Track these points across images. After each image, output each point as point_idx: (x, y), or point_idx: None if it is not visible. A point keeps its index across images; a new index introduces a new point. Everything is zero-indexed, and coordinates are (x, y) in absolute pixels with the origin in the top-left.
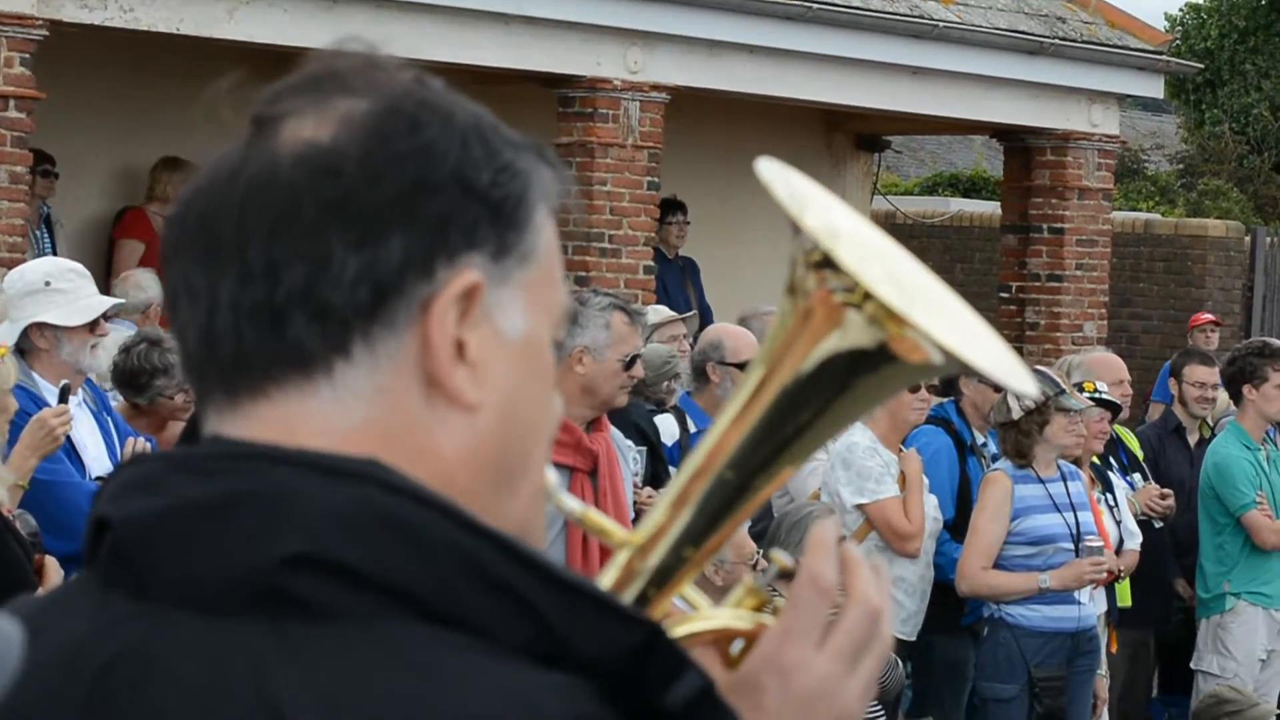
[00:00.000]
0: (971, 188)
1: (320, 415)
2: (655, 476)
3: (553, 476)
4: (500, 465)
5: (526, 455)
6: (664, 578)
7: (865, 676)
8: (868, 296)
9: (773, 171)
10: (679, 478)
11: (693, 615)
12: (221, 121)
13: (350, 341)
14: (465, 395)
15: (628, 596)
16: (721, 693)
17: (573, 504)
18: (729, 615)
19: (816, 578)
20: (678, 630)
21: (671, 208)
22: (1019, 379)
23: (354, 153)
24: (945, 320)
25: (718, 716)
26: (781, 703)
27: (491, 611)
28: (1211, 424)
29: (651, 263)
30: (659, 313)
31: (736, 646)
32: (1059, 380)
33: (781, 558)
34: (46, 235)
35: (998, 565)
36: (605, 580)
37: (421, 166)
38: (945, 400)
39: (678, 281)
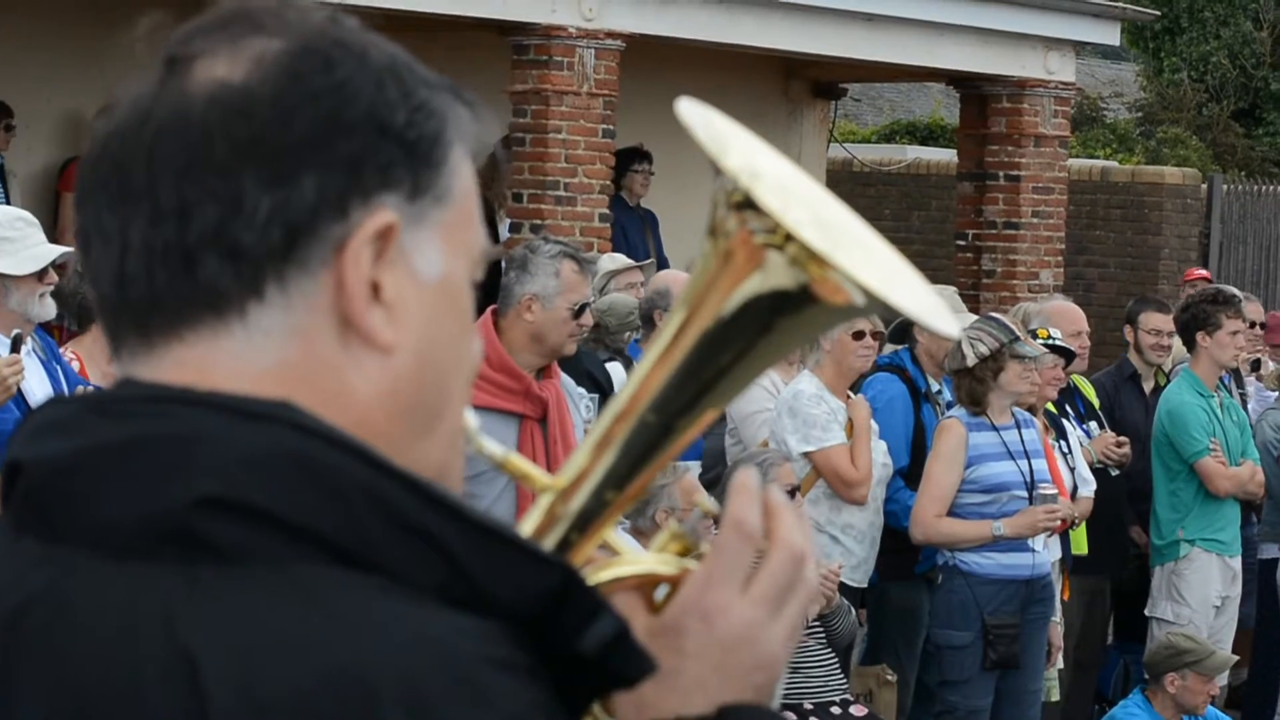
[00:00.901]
0: (929, 135)
1: (234, 357)
2: None
3: (473, 420)
4: (417, 407)
5: (444, 397)
6: (586, 522)
7: (789, 622)
8: (789, 238)
9: (694, 112)
10: (601, 421)
11: (616, 560)
12: (142, 63)
13: (263, 282)
14: (380, 336)
15: (550, 541)
16: (636, 636)
17: (494, 448)
18: (653, 560)
19: (740, 523)
20: (602, 575)
21: (637, 157)
22: (941, 319)
23: (267, 92)
24: (868, 261)
25: (632, 660)
26: (703, 647)
27: (404, 554)
28: (1167, 372)
29: (607, 210)
30: (616, 260)
31: (662, 592)
32: (1013, 327)
33: (705, 502)
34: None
35: (952, 513)
36: (528, 525)
37: (335, 106)
38: (900, 348)
39: (638, 230)
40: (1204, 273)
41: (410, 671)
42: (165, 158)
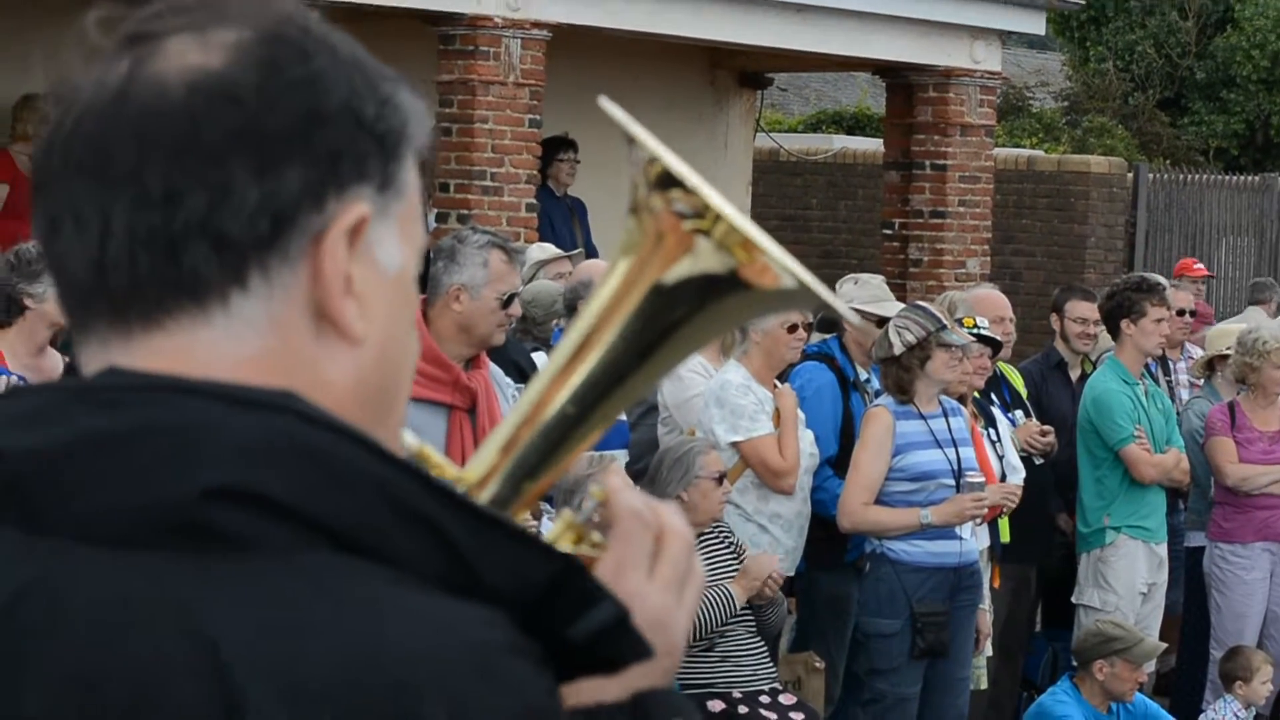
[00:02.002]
0: (855, 125)
1: (214, 346)
2: None
3: None
4: (380, 398)
5: (398, 387)
6: (501, 510)
7: (689, 607)
8: (716, 220)
9: (620, 112)
10: (506, 422)
11: None
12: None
13: (247, 272)
14: (354, 328)
15: None
16: (637, 622)
17: (410, 439)
18: None
19: (638, 512)
20: None
21: (563, 146)
22: (848, 311)
23: (250, 80)
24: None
25: (629, 645)
26: None
27: (410, 543)
28: (1094, 360)
29: (534, 200)
30: (545, 250)
31: None
32: (940, 315)
33: (599, 491)
34: None
35: (880, 501)
36: None
37: (314, 96)
38: (828, 336)
39: (565, 220)
40: (1202, 268)
41: (440, 660)
42: (151, 142)
